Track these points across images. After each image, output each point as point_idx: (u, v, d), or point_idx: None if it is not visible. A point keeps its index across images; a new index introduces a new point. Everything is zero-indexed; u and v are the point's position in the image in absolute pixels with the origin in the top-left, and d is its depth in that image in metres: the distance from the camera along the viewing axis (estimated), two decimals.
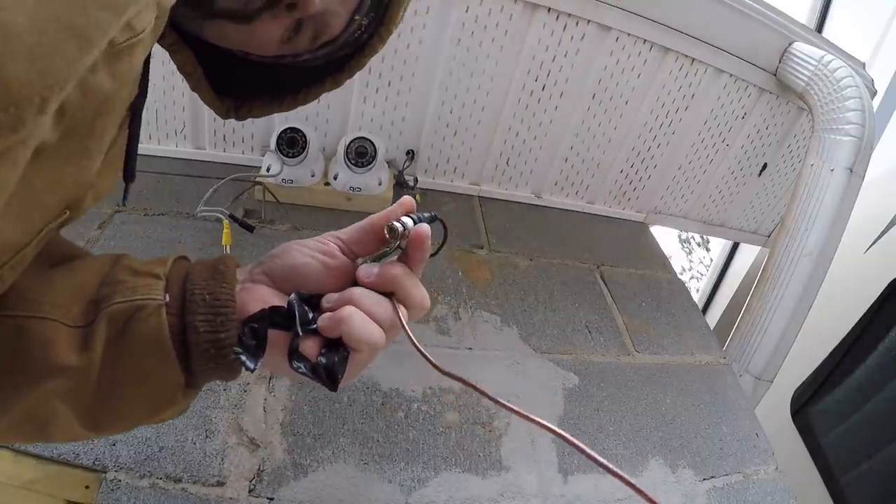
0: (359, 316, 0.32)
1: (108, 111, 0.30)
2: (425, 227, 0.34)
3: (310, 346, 0.32)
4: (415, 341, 0.32)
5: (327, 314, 0.32)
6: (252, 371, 0.32)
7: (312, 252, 0.35)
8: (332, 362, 0.31)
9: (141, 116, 0.33)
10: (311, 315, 0.33)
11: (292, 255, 0.35)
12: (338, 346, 0.32)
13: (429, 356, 0.33)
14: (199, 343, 0.31)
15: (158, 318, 0.31)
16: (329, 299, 0.33)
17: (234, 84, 0.47)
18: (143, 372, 0.31)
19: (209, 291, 0.32)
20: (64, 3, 0.24)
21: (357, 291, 0.33)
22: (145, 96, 0.33)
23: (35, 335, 0.30)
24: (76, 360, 0.30)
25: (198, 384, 0.33)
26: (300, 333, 0.32)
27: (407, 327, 0.33)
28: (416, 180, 1.16)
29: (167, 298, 0.31)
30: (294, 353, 0.31)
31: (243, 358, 0.31)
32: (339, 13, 0.42)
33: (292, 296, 0.33)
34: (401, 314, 0.33)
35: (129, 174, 0.35)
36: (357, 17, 0.43)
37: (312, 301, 0.33)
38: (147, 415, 0.33)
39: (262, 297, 0.33)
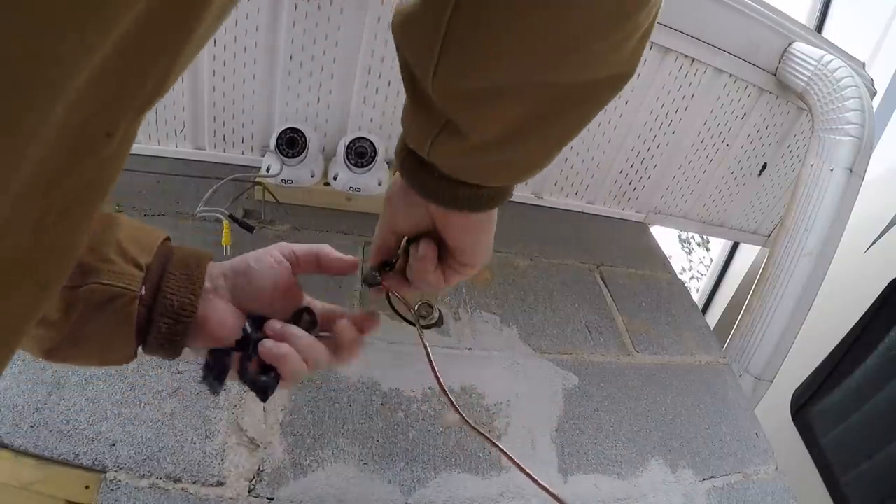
0: (294, 356, 0.39)
1: None
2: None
3: (251, 366, 0.40)
4: (443, 387, 0.41)
5: (269, 343, 0.39)
6: (216, 395, 0.40)
7: (271, 278, 0.42)
8: (268, 381, 0.39)
9: None
10: (254, 337, 0.40)
11: (256, 280, 0.42)
12: (271, 368, 0.39)
13: (456, 405, 0.40)
14: (158, 337, 0.38)
15: (131, 307, 0.37)
16: (271, 327, 0.41)
17: None
18: (104, 340, 0.38)
19: (178, 299, 0.39)
20: None
21: (295, 333, 0.41)
22: None
23: None
24: (57, 317, 0.36)
25: (142, 354, 0.40)
26: (251, 359, 0.39)
27: (437, 370, 0.42)
28: None
29: (143, 291, 0.37)
30: (243, 371, 0.40)
31: (210, 381, 0.40)
32: None
33: (247, 325, 0.40)
34: (430, 357, 0.42)
35: None
36: None
37: (258, 322, 0.41)
38: (94, 364, 0.40)
39: (221, 318, 0.40)
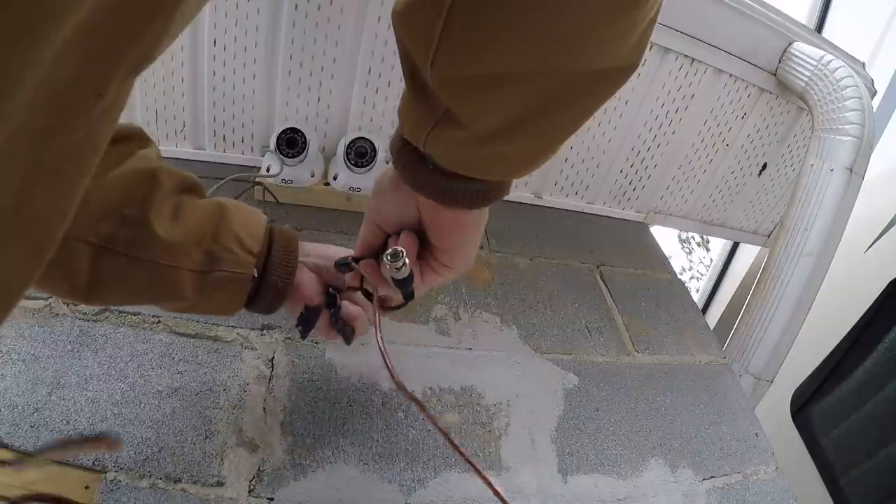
0: (363, 318, 0.58)
1: None
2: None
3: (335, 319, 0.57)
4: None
5: (350, 306, 0.58)
6: (303, 339, 0.60)
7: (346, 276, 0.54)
8: (348, 330, 0.57)
9: None
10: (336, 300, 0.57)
11: (336, 275, 0.54)
12: (347, 322, 0.57)
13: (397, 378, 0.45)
14: (263, 305, 0.53)
15: (246, 286, 0.50)
16: (344, 295, 0.58)
17: None
18: (222, 306, 0.51)
19: (280, 279, 0.52)
20: None
21: (362, 300, 0.57)
22: None
23: (172, 278, 0.46)
24: (192, 295, 0.48)
25: None
26: (337, 319, 0.57)
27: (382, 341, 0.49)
28: None
29: (256, 274, 0.50)
30: (335, 322, 0.57)
31: (302, 329, 0.56)
32: None
33: (331, 289, 0.57)
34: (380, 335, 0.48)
35: None
36: None
37: (335, 288, 0.57)
38: (207, 315, 0.59)
39: (308, 286, 0.55)
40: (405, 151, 0.39)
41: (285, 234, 0.54)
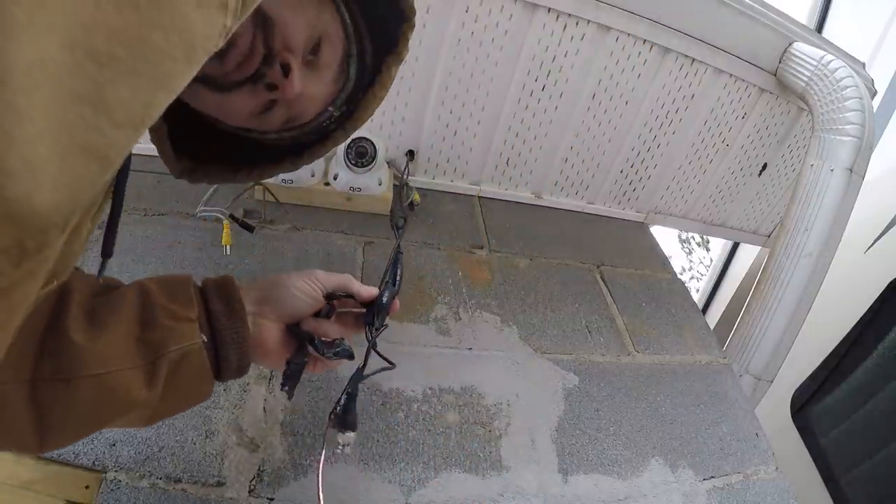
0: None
1: (99, 198, 0.35)
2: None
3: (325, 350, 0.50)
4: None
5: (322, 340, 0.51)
6: (289, 399, 0.54)
7: (305, 299, 0.50)
8: (345, 351, 0.51)
9: (123, 192, 0.39)
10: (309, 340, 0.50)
11: (291, 303, 0.49)
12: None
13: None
14: (230, 369, 0.45)
15: (201, 356, 0.42)
16: (316, 330, 0.52)
17: (194, 146, 0.53)
18: (189, 388, 0.43)
19: (234, 332, 0.45)
20: (80, 126, 0.25)
21: (328, 327, 0.52)
22: (127, 171, 0.39)
23: (116, 385, 0.39)
24: (145, 394, 0.40)
25: None
26: (323, 351, 0.50)
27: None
28: (409, 199, 1.16)
29: (204, 339, 0.43)
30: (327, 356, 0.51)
31: (286, 388, 0.50)
32: (316, 101, 0.49)
33: (314, 342, 0.50)
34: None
35: (107, 251, 0.41)
36: (330, 109, 0.52)
37: (298, 326, 0.51)
38: (186, 409, 0.46)
39: (277, 338, 0.49)
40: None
41: (217, 285, 0.46)
